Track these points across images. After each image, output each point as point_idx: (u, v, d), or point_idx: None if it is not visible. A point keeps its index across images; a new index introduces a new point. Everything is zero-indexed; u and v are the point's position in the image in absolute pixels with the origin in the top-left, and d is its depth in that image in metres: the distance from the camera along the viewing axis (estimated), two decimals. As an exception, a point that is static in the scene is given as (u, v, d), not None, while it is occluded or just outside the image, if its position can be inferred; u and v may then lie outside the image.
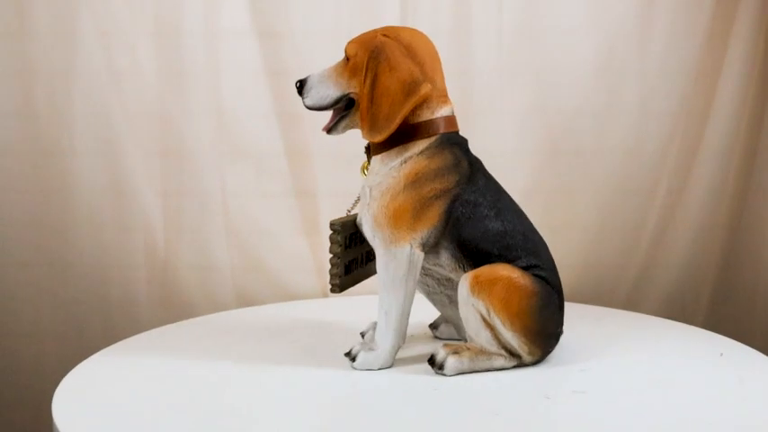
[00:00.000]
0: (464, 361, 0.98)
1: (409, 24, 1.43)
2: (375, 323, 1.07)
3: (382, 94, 0.98)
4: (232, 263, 1.50)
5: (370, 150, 1.05)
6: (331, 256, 1.04)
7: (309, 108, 1.03)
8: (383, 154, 1.02)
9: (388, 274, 0.99)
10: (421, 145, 1.00)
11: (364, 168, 1.07)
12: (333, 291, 1.04)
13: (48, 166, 1.47)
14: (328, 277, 1.05)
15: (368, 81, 0.99)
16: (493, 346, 0.99)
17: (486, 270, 0.97)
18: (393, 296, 1.00)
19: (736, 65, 1.45)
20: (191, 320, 1.33)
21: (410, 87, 0.98)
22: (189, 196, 1.49)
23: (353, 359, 1.01)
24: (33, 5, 1.43)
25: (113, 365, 1.05)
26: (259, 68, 1.47)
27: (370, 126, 0.99)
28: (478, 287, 0.96)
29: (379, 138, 0.99)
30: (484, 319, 0.97)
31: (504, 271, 0.97)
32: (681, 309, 1.53)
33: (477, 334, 0.98)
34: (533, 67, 1.47)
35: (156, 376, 1.00)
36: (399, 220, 0.98)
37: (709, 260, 1.53)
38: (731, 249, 1.53)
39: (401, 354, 1.04)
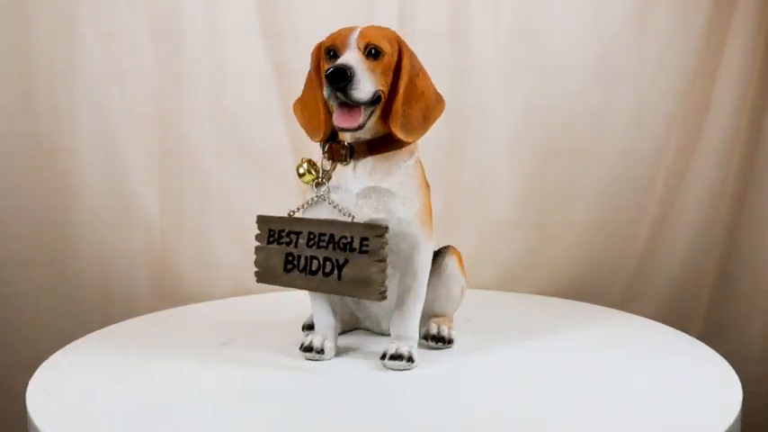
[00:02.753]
0: (453, 330, 1.09)
1: (408, 25, 1.47)
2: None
3: (417, 95, 0.97)
4: (233, 261, 1.48)
5: (363, 150, 0.97)
6: (380, 260, 0.92)
7: (354, 102, 0.90)
8: (392, 152, 0.98)
9: (425, 267, 1.00)
10: (417, 146, 1.02)
11: (322, 170, 0.99)
12: (384, 299, 0.93)
13: (49, 165, 1.45)
14: (373, 288, 0.92)
15: (405, 81, 0.95)
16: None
17: (454, 252, 1.11)
18: (423, 287, 1.01)
19: (733, 64, 1.43)
20: (169, 311, 1.33)
21: (439, 94, 1.01)
22: (189, 195, 1.49)
23: (410, 359, 0.96)
24: (34, 5, 1.40)
25: (88, 355, 1.05)
26: (260, 68, 1.46)
27: (406, 126, 0.96)
28: (461, 266, 1.11)
29: (413, 138, 0.97)
30: (462, 292, 1.11)
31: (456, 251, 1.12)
32: (680, 307, 1.52)
33: (454, 305, 1.11)
34: (530, 67, 1.46)
35: (132, 366, 1.00)
36: (431, 215, 1.02)
37: (708, 259, 1.51)
38: (730, 249, 1.50)
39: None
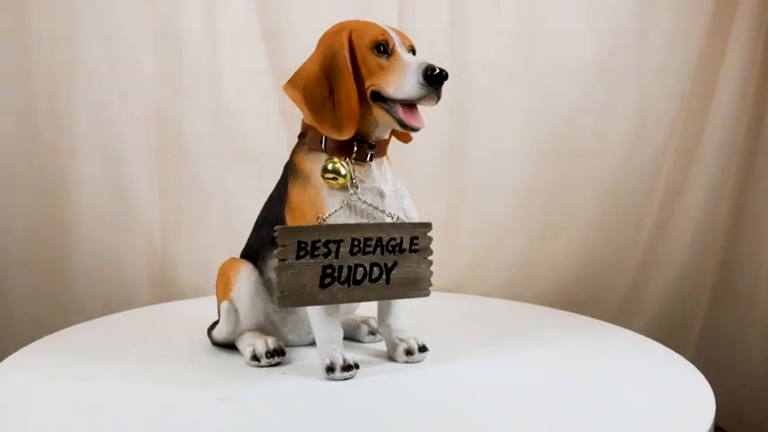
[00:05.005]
0: None
1: (407, 24, 1.40)
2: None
3: None
4: None
5: (381, 150, 0.96)
6: (428, 257, 0.94)
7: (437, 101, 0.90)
8: (387, 155, 1.00)
9: None
10: None
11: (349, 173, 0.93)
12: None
13: (48, 165, 1.45)
14: (423, 285, 0.95)
15: None
16: None
17: None
18: None
19: (735, 65, 1.44)
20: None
21: None
22: (189, 196, 1.48)
23: (427, 349, 0.99)
24: (34, 6, 1.40)
25: (33, 364, 0.98)
26: (259, 68, 1.46)
27: None
28: None
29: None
30: None
31: None
32: (680, 309, 1.51)
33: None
34: (532, 67, 1.45)
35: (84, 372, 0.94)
36: None
37: (708, 260, 1.51)
38: (730, 249, 1.49)
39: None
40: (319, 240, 0.89)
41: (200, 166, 1.47)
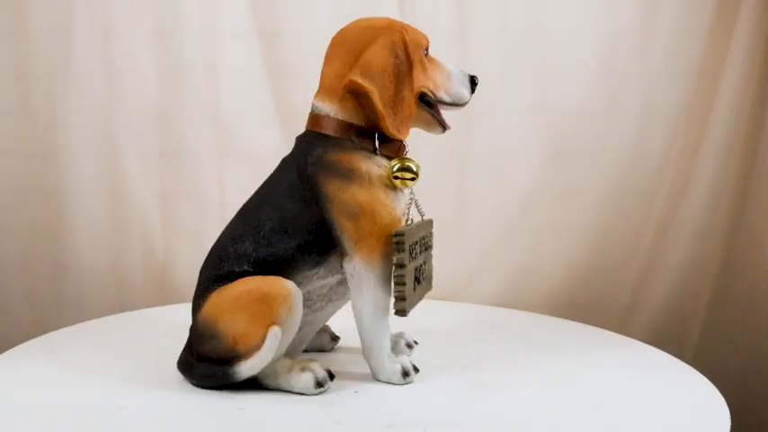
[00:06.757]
0: None
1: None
2: None
3: None
4: None
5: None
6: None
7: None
8: None
9: None
10: None
11: None
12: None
13: (45, 166, 1.43)
14: (430, 279, 0.97)
15: None
16: None
17: None
18: None
19: (738, 65, 1.42)
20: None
21: None
22: (187, 196, 1.45)
23: (417, 342, 1.02)
24: (31, 6, 1.40)
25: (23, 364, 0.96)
26: (258, 68, 1.44)
27: None
28: None
29: None
30: None
31: None
32: (680, 310, 1.49)
33: None
34: (535, 68, 1.43)
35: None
36: None
37: (709, 261, 1.49)
38: (731, 250, 1.49)
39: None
40: (414, 242, 0.86)
41: (199, 166, 1.44)
